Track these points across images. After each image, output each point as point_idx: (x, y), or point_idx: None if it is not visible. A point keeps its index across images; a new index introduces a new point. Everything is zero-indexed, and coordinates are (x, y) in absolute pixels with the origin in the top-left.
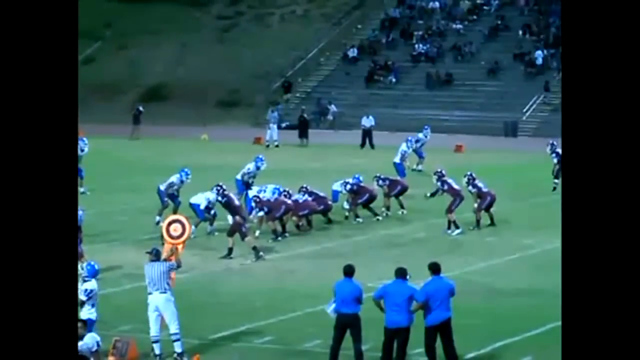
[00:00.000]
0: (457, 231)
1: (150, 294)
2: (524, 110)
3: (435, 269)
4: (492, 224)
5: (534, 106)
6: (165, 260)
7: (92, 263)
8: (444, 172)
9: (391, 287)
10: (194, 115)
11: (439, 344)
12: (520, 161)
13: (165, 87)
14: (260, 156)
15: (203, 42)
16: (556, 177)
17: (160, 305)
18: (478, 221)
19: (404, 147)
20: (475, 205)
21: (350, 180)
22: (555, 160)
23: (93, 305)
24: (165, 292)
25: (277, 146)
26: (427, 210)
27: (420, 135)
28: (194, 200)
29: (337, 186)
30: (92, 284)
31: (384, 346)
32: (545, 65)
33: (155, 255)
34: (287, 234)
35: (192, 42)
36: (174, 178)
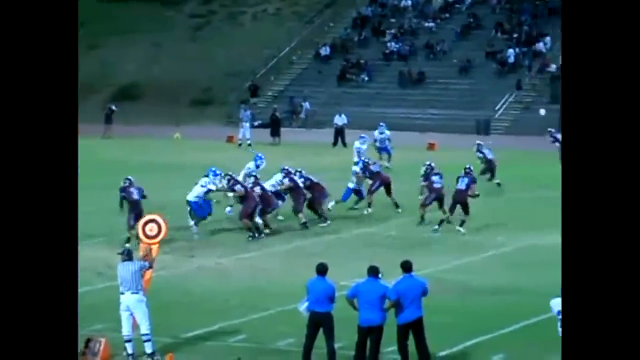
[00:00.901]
0: (435, 227)
1: (122, 293)
2: (496, 108)
3: (406, 267)
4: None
5: (506, 104)
6: (141, 259)
7: None
8: (432, 165)
9: (364, 285)
10: (166, 114)
11: (411, 341)
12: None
13: (137, 86)
14: (260, 154)
15: (176, 41)
16: (483, 173)
17: (131, 305)
18: (422, 216)
19: (357, 144)
20: (421, 198)
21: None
22: (480, 157)
23: None
24: (137, 293)
25: (249, 145)
26: (401, 207)
27: (376, 133)
28: (190, 197)
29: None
30: None
31: (357, 344)
32: (517, 64)
33: (127, 255)
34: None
35: (165, 41)
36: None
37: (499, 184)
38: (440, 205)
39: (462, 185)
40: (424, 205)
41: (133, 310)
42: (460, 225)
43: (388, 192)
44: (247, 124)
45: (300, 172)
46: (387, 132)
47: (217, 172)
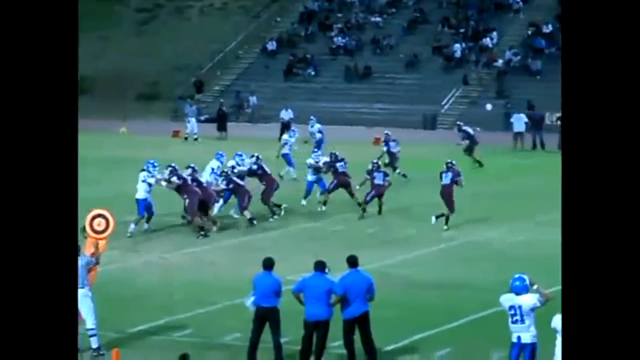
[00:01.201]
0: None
1: None
2: (443, 103)
3: (352, 261)
4: (380, 212)
5: (453, 99)
6: (89, 255)
7: None
8: (379, 163)
9: (310, 280)
10: (113, 108)
11: (357, 336)
12: (439, 154)
13: (84, 80)
14: (220, 152)
15: (122, 35)
16: (393, 168)
17: (78, 300)
18: (364, 209)
19: (285, 137)
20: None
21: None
22: (385, 150)
23: None
24: (82, 287)
25: (196, 139)
26: (347, 203)
27: (312, 127)
28: (139, 195)
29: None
30: None
31: (304, 339)
32: (463, 59)
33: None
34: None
35: (111, 36)
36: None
37: (404, 176)
38: (379, 200)
39: (446, 180)
40: (365, 201)
41: (79, 305)
42: (446, 223)
43: (350, 194)
44: (193, 119)
45: (257, 157)
46: (318, 126)
47: (155, 164)
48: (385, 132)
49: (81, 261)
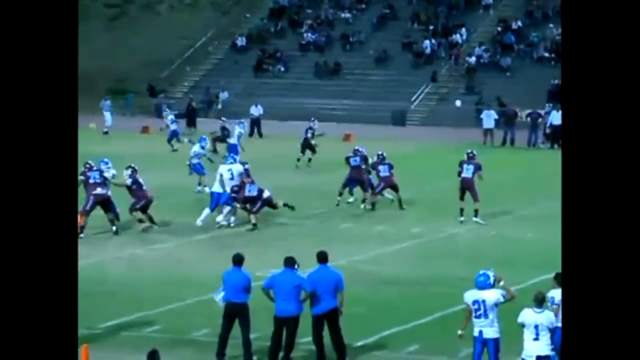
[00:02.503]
0: None
1: None
2: (412, 99)
3: (322, 257)
4: (401, 206)
5: (422, 95)
6: None
7: None
8: (384, 154)
9: (280, 276)
10: (83, 104)
11: (326, 332)
12: (408, 150)
13: None
14: (204, 136)
15: (91, 30)
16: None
17: None
18: (373, 204)
19: (237, 129)
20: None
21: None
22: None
23: None
24: None
25: (106, 133)
26: (320, 198)
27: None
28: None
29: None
30: None
31: (273, 335)
32: (433, 55)
33: None
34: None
35: (80, 31)
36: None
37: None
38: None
39: (467, 173)
40: (374, 193)
41: None
42: (475, 216)
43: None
44: (109, 113)
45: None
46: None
47: (107, 161)
48: (311, 121)
49: None
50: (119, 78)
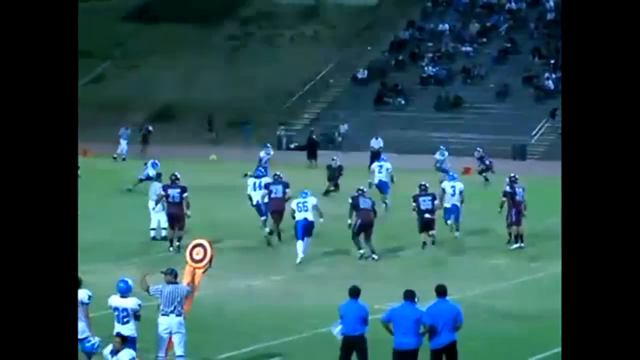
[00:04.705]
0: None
1: (165, 315)
2: (533, 133)
3: (441, 291)
4: None
5: (543, 129)
6: (186, 283)
7: (125, 279)
8: (516, 176)
9: (399, 309)
10: (203, 135)
11: None
12: (529, 184)
13: (174, 106)
14: (156, 161)
15: (213, 63)
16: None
17: (174, 328)
18: (510, 234)
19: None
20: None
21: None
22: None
23: (134, 322)
24: (179, 316)
25: (124, 159)
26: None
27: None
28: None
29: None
30: (137, 300)
31: None
32: (555, 89)
33: (173, 276)
34: None
35: (202, 63)
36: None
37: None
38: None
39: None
40: (510, 224)
41: (174, 333)
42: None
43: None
44: (125, 141)
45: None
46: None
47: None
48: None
49: (182, 290)
50: (240, 110)
